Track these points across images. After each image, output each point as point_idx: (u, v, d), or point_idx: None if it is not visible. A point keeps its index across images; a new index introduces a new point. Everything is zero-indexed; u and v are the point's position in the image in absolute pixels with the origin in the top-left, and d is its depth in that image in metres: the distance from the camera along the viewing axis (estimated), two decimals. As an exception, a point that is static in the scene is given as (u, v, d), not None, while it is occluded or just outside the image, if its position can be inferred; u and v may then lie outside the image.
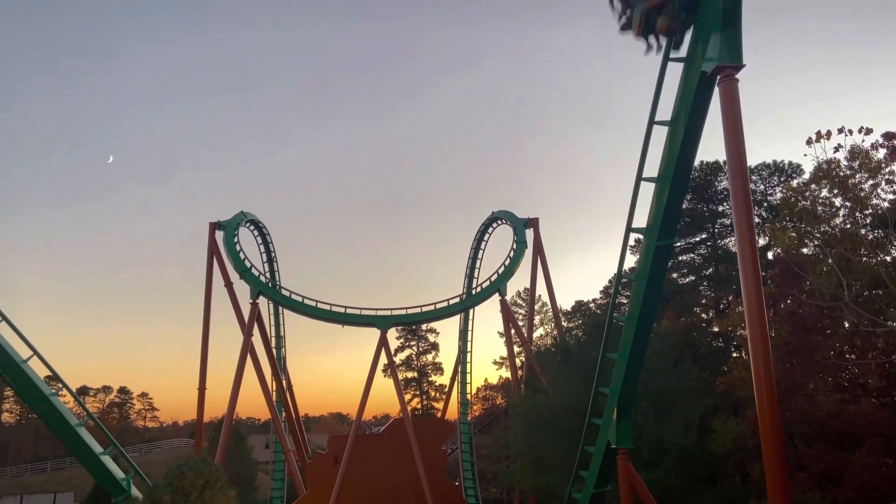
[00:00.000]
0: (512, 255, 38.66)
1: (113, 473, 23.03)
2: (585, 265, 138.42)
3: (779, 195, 31.02)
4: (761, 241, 29.66)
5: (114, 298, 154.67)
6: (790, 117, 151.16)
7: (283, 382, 42.09)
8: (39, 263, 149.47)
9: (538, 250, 39.58)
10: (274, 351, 41.20)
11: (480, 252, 43.62)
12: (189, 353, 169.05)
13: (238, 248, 36.73)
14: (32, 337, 22.19)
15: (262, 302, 37.98)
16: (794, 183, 27.50)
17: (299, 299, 37.07)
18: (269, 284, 39.24)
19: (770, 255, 29.41)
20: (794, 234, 18.83)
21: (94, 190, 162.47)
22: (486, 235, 43.37)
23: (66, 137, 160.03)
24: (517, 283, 59.27)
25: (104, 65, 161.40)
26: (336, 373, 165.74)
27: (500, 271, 38.48)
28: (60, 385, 25.32)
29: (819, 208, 18.59)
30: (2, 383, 68.64)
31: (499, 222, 42.03)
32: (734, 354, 30.10)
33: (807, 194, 18.88)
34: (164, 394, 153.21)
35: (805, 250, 20.33)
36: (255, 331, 36.45)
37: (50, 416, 22.28)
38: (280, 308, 42.95)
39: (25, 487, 56.20)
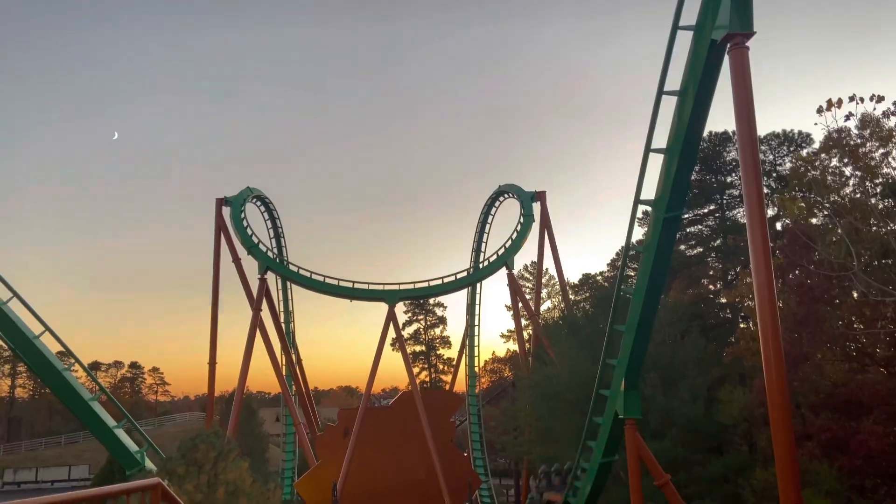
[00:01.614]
0: (519, 228, 38.61)
1: (126, 446, 23.41)
2: (593, 238, 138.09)
3: (788, 165, 30.76)
4: (770, 212, 29.46)
5: (125, 275, 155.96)
6: (800, 85, 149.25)
7: (293, 357, 42.49)
8: (50, 241, 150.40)
9: (545, 224, 39.50)
10: (283, 326, 41.55)
11: (487, 226, 43.61)
12: (199, 328, 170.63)
13: (245, 223, 36.83)
14: (44, 313, 22.45)
15: (271, 277, 38.18)
16: (804, 152, 27.27)
17: (307, 274, 37.24)
18: (277, 260, 39.40)
19: (779, 225, 29.24)
20: (803, 204, 18.73)
21: (101, 166, 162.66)
22: (493, 209, 43.31)
23: (73, 113, 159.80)
24: (524, 257, 59.22)
25: (109, 40, 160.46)
26: (345, 347, 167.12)
27: (507, 245, 38.48)
28: (73, 360, 25.65)
29: (829, 178, 18.44)
30: (15, 359, 69.62)
31: (506, 196, 41.92)
32: (742, 325, 30.16)
33: (816, 164, 18.73)
34: (176, 368, 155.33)
35: (814, 220, 20.24)
36: (264, 306, 36.70)
37: (63, 391, 22.60)
38: (288, 283, 43.20)
39: (40, 461, 57.24)
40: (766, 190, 29.69)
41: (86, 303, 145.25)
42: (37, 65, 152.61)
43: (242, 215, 36.90)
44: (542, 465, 19.84)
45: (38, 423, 77.82)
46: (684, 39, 12.83)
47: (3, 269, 21.63)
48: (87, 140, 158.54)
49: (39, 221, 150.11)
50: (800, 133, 32.76)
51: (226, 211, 37.01)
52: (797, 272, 20.82)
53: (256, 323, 35.52)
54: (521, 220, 38.81)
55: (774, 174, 32.28)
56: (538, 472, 19.79)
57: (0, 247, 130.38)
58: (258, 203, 41.51)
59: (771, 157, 33.12)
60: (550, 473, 19.34)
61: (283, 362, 40.48)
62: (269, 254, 37.86)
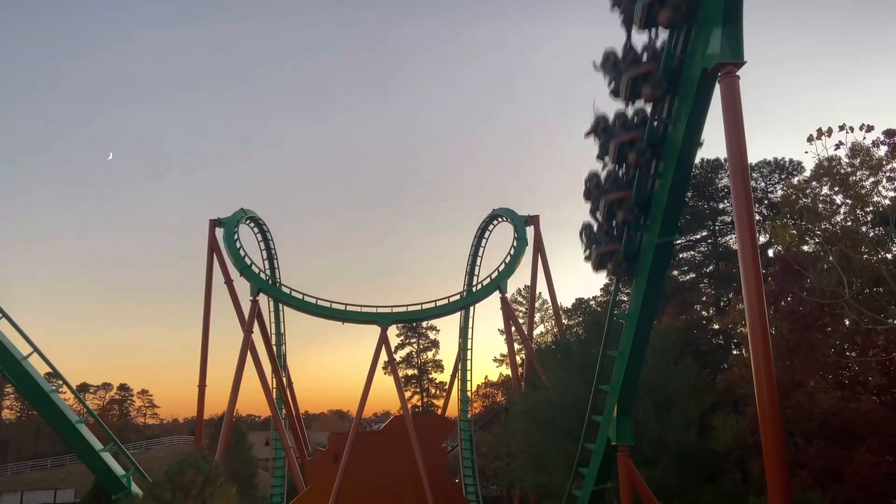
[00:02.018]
0: (512, 252, 38.66)
1: (113, 470, 23.09)
2: (586, 263, 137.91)
3: (780, 192, 30.97)
4: (762, 239, 29.62)
5: (114, 296, 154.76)
6: (791, 114, 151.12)
7: (284, 379, 42.09)
8: (39, 261, 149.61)
9: (539, 248, 39.57)
10: (274, 348, 41.21)
11: (481, 249, 43.64)
12: (189, 350, 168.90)
13: (238, 245, 36.72)
14: (33, 334, 22.23)
15: (263, 299, 37.99)
16: (795, 180, 27.46)
17: (299, 296, 37.08)
18: (270, 282, 39.25)
19: (770, 252, 29.39)
20: (794, 232, 18.83)
21: (93, 187, 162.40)
22: (487, 233, 43.37)
23: (65, 135, 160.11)
24: (518, 281, 59.12)
25: (101, 61, 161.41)
26: (336, 370, 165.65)
27: (500, 269, 38.50)
28: (61, 382, 25.39)
29: (820, 206, 18.57)
30: (2, 380, 68.79)
31: (499, 220, 42.02)
32: (734, 352, 30.10)
33: (808, 191, 18.87)
34: (165, 391, 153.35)
35: (806, 248, 20.32)
36: (256, 328, 36.46)
37: (50, 413, 22.31)
38: (280, 305, 42.97)
39: (26, 484, 56.28)
40: (757, 217, 29.84)
41: (74, 323, 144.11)
42: (31, 80, 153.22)
43: (236, 236, 36.82)
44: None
45: (24, 445, 76.65)
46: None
47: (-8, 289, 21.45)
48: (80, 160, 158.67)
49: (29, 242, 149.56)
50: (791, 161, 33.06)
51: (219, 232, 36.92)
52: (789, 299, 20.87)
53: (247, 345, 35.26)
54: (515, 244, 38.86)
55: (766, 201, 32.49)
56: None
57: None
58: (251, 224, 41.44)
59: (762, 184, 33.37)
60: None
61: (274, 385, 40.11)
62: (262, 275, 37.72)
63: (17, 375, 21.69)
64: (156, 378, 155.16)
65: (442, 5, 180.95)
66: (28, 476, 59.06)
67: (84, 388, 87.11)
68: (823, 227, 18.46)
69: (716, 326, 32.65)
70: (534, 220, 39.72)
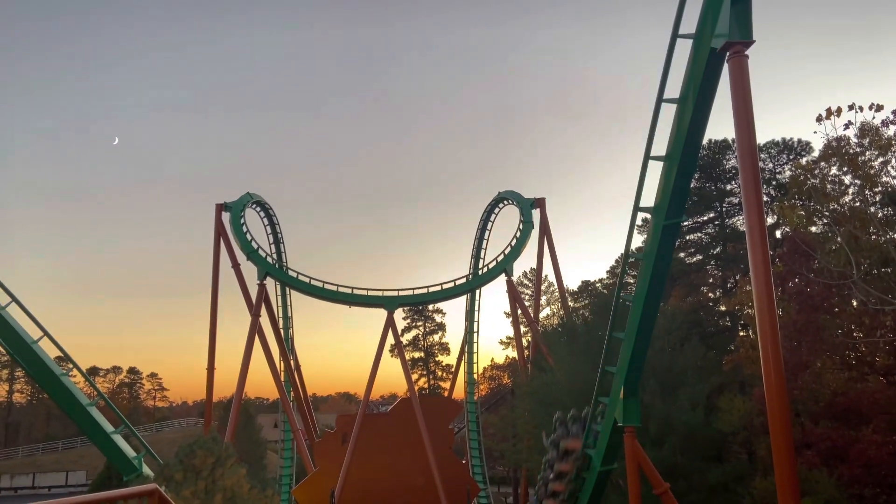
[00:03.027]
0: (518, 235, 38.60)
1: (124, 452, 23.25)
2: (592, 245, 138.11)
3: (788, 173, 30.80)
4: (770, 220, 29.50)
5: (123, 280, 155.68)
6: (800, 94, 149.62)
7: (292, 362, 42.40)
8: (48, 245, 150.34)
9: (545, 230, 39.50)
10: (282, 331, 41.44)
11: (487, 232, 43.60)
12: (198, 333, 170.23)
13: (245, 229, 36.81)
14: (42, 318, 22.38)
15: (270, 283, 38.13)
16: (804, 161, 27.30)
17: (306, 280, 37.21)
18: (276, 265, 39.35)
19: (778, 233, 29.27)
20: (802, 213, 18.77)
21: (100, 171, 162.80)
22: (493, 216, 43.30)
23: (71, 119, 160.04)
24: (524, 264, 59.22)
25: (108, 44, 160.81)
26: (343, 353, 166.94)
27: (506, 251, 38.47)
28: (71, 365, 25.59)
29: (828, 186, 18.48)
30: (13, 364, 69.43)
31: (505, 202, 41.93)
32: (741, 333, 30.14)
33: (816, 172, 18.77)
34: (174, 374, 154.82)
35: (814, 228, 20.25)
36: (263, 311, 36.64)
37: (61, 396, 22.47)
38: (287, 289, 43.16)
39: (37, 466, 57.10)
40: (765, 198, 29.67)
41: (84, 307, 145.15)
42: (38, 69, 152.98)
43: (242, 221, 36.88)
44: (557, 413, 19.38)
45: (35, 428, 77.65)
46: (684, 46, 12.87)
47: (1, 274, 21.58)
48: (86, 145, 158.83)
49: (38, 226, 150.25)
50: (799, 141, 32.81)
51: (225, 216, 36.99)
52: (797, 280, 20.81)
53: (255, 328, 35.44)
54: (521, 227, 38.79)
55: (774, 182, 32.32)
56: (553, 419, 19.35)
57: (1, 253, 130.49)
58: (258, 208, 41.50)
59: (770, 165, 33.17)
60: (567, 421, 18.88)
61: (282, 368, 40.38)
62: (269, 259, 37.83)
63: (28, 359, 21.84)
64: (165, 362, 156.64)
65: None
66: (39, 458, 59.94)
67: (94, 371, 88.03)
68: (832, 207, 18.37)
69: (722, 308, 32.63)
70: (540, 203, 39.62)
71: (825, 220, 18.70)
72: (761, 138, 33.69)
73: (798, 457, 16.27)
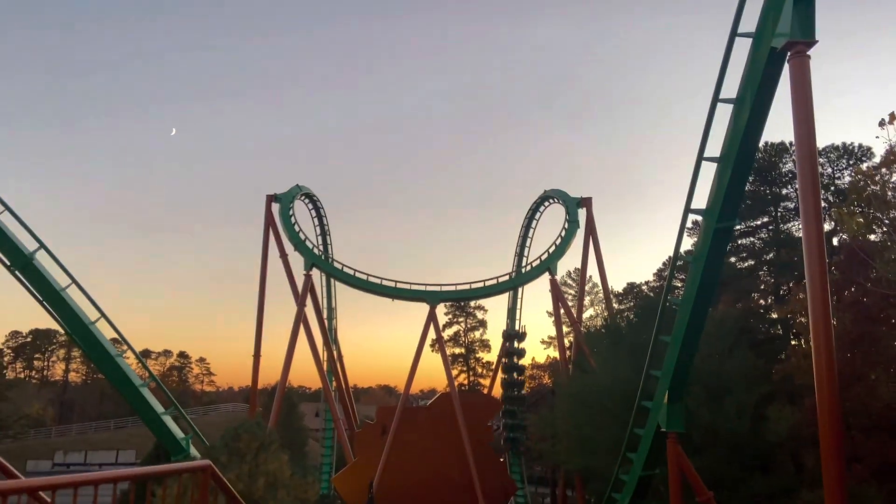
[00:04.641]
0: (563, 234, 38.33)
1: (173, 432, 24.00)
2: (638, 247, 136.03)
3: (847, 179, 29.79)
4: (827, 226, 28.57)
5: (177, 268, 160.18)
6: (862, 97, 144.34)
7: (334, 353, 43.01)
8: (109, 234, 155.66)
9: (590, 230, 39.12)
10: (326, 322, 42.09)
11: (531, 230, 43.45)
12: (245, 321, 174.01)
13: (293, 220, 37.47)
14: (100, 300, 23.25)
15: (315, 274, 38.73)
16: (864, 166, 26.35)
17: (351, 272, 37.68)
18: (322, 257, 39.93)
19: (835, 240, 28.32)
20: (861, 220, 18.10)
21: (158, 162, 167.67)
22: (538, 214, 43.10)
23: (130, 109, 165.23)
24: (568, 263, 58.81)
25: (165, 43, 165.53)
26: (385, 346, 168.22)
27: (550, 250, 38.25)
28: (125, 347, 26.48)
29: (889, 193, 17.80)
30: (70, 344, 72.11)
31: (551, 201, 41.66)
32: (793, 342, 29.27)
33: (877, 178, 18.09)
34: (221, 360, 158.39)
35: (873, 237, 19.56)
36: (308, 301, 37.25)
37: (115, 376, 23.33)
38: (332, 280, 43.76)
39: (90, 444, 59.32)
40: (823, 204, 28.79)
41: (140, 293, 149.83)
42: (97, 64, 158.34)
43: (291, 212, 37.55)
44: None
45: (89, 407, 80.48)
46: (743, 46, 12.59)
47: (64, 259, 22.50)
48: (147, 138, 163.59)
49: (99, 216, 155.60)
50: (860, 146, 31.67)
51: (275, 207, 37.72)
52: (853, 289, 20.17)
53: (300, 318, 36.06)
54: (566, 226, 38.50)
55: (832, 188, 31.27)
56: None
57: (65, 239, 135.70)
58: (306, 200, 42.17)
59: (829, 169, 32.10)
60: None
61: (325, 358, 40.99)
62: (315, 250, 38.42)
63: (85, 339, 22.75)
64: (213, 347, 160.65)
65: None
66: (92, 437, 62.25)
67: (146, 353, 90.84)
68: (892, 215, 17.71)
69: (774, 315, 31.76)
70: (586, 203, 39.25)
71: (885, 229, 18.03)
72: (820, 142, 32.55)
73: (847, 470, 15.80)
